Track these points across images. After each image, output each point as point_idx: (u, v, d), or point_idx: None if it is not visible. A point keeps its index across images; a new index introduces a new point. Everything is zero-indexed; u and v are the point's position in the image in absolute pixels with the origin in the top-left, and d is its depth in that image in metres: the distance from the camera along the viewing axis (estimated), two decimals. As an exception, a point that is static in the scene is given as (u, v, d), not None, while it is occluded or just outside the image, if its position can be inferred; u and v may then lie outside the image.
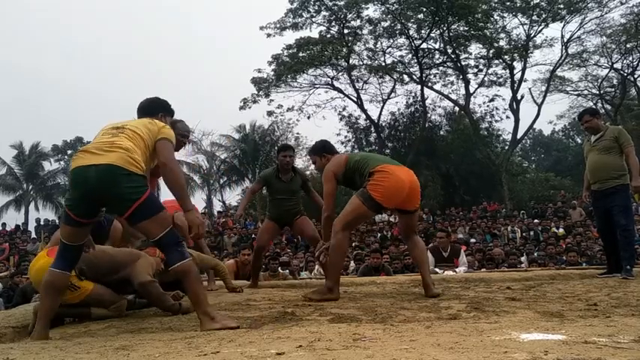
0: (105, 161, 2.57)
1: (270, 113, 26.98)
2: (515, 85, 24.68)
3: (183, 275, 2.69)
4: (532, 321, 2.38)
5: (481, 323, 2.29)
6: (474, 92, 25.83)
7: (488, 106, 26.62)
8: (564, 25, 24.03)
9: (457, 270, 6.68)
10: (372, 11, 24.76)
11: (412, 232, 4.02)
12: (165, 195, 5.36)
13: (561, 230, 14.94)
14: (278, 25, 24.94)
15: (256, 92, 25.79)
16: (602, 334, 1.94)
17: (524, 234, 15.10)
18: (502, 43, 24.51)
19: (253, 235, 16.34)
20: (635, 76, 25.70)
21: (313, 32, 25.30)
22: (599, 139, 5.20)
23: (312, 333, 2.22)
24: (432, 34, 24.98)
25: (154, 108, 3.18)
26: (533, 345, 1.77)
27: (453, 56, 25.38)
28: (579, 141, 35.33)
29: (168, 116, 3.22)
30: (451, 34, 24.52)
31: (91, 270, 3.27)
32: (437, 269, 6.72)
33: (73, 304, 3.34)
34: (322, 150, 4.27)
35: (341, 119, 27.52)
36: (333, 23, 25.42)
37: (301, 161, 28.53)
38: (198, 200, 28.48)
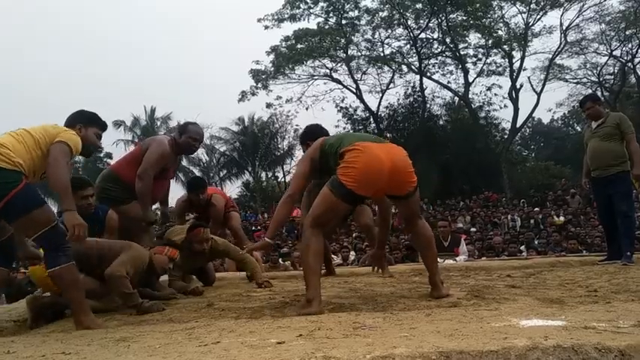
0: None
1: (269, 105, 26.99)
2: (515, 73, 24.63)
3: (57, 281, 2.69)
4: (532, 307, 2.38)
5: (481, 310, 2.30)
6: (472, 82, 25.80)
7: (485, 95, 26.59)
8: (563, 13, 23.98)
9: (457, 259, 6.69)
10: (369, 1, 24.71)
11: (415, 217, 3.24)
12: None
13: (561, 218, 14.97)
14: (276, 17, 24.85)
15: (255, 84, 25.75)
16: (601, 320, 1.94)
17: (524, 222, 15.12)
18: (501, 32, 24.44)
19: (253, 228, 16.37)
20: (635, 63, 25.63)
21: (311, 23, 25.27)
22: (600, 126, 5.15)
23: (312, 322, 2.23)
24: (430, 24, 24.92)
25: (73, 119, 3.15)
26: (533, 331, 1.78)
27: (451, 46, 25.29)
28: (579, 129, 35.22)
29: (91, 127, 3.16)
30: (450, 23, 24.42)
31: (81, 261, 3.27)
32: (438, 259, 6.72)
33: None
34: (306, 137, 3.75)
35: (339, 110, 27.49)
36: (331, 14, 25.32)
37: (300, 153, 28.45)
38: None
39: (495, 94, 26.21)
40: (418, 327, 1.99)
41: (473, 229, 13.99)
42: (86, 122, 3.16)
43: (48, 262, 2.67)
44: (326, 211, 2.94)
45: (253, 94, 25.94)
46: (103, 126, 3.30)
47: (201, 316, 2.88)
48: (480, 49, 25.37)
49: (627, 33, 24.01)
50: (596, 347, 1.55)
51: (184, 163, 29.13)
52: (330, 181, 2.93)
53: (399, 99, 27.53)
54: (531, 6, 23.78)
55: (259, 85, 25.69)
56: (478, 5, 23.43)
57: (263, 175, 30.35)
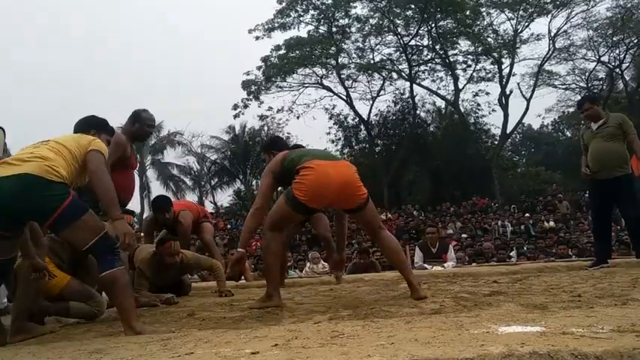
0: (20, 171, 2.51)
1: (262, 117, 27.07)
2: (504, 80, 24.79)
3: (111, 284, 2.65)
4: (513, 314, 2.35)
5: (461, 317, 2.27)
6: (462, 88, 25.94)
7: (474, 100, 26.75)
8: (551, 20, 24.20)
9: (445, 265, 6.67)
10: (359, 9, 24.84)
11: (376, 228, 3.53)
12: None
13: (551, 223, 15.01)
14: (266, 27, 24.90)
15: (247, 96, 25.80)
16: (581, 325, 1.92)
17: (514, 228, 15.15)
18: (490, 39, 24.60)
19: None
20: (622, 68, 25.89)
21: (302, 32, 25.36)
22: (602, 127, 5.04)
23: (290, 332, 2.19)
24: (420, 31, 25.06)
25: (87, 124, 3.19)
26: (511, 337, 1.75)
27: (441, 52, 25.43)
28: (569, 134, 35.49)
29: (103, 134, 3.18)
30: (439, 30, 24.57)
31: (73, 262, 3.24)
32: (426, 265, 6.71)
33: (52, 299, 3.30)
34: (270, 147, 4.13)
35: (330, 118, 27.53)
36: (321, 22, 25.42)
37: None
38: (189, 202, 28.36)
39: (487, 103, 26.40)
40: (396, 335, 1.96)
41: (464, 235, 13.99)
42: (97, 128, 3.19)
43: (103, 266, 2.64)
44: (281, 218, 3.37)
45: (246, 106, 26.05)
46: (111, 133, 3.36)
47: (182, 326, 2.84)
48: (470, 56, 25.56)
49: (614, 39, 24.24)
50: (572, 353, 1.52)
51: (175, 172, 29.07)
52: (286, 193, 3.32)
53: (389, 106, 27.67)
54: (519, 13, 23.99)
55: (251, 97, 25.75)
56: (467, 13, 23.62)
57: (254, 183, 30.28)
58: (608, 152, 4.98)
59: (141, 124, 4.06)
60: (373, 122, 27.36)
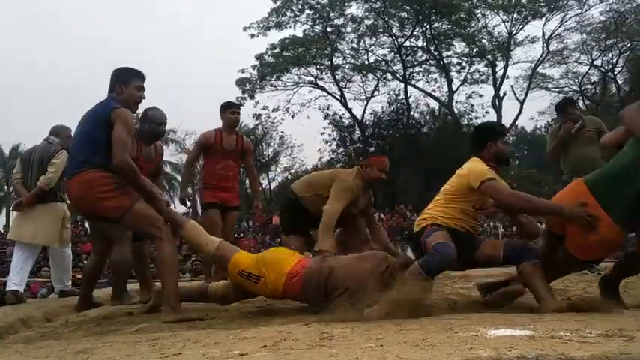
0: None
1: (257, 116, 26.98)
2: (498, 82, 24.91)
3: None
4: (502, 317, 2.36)
5: (451, 320, 2.27)
6: (456, 90, 26.02)
7: (467, 103, 26.82)
8: (545, 23, 24.36)
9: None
10: (355, 9, 24.85)
11: None
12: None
13: (543, 226, 15.07)
14: (262, 25, 24.86)
15: (241, 95, 25.71)
16: (569, 329, 1.92)
17: (506, 231, 15.20)
18: (484, 41, 24.71)
19: (236, 235, 16.23)
20: (615, 72, 26.09)
21: (297, 31, 25.32)
22: (579, 130, 5.12)
23: (279, 332, 2.18)
24: (415, 32, 25.12)
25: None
26: (499, 341, 1.75)
27: (435, 54, 25.50)
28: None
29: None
30: (434, 32, 24.64)
31: None
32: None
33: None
34: None
35: (325, 117, 27.49)
36: (316, 22, 25.40)
37: (285, 160, 28.58)
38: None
39: (481, 105, 26.47)
40: (385, 337, 1.96)
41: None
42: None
43: None
44: None
45: (240, 105, 25.88)
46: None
47: (172, 327, 2.82)
48: (464, 58, 25.65)
49: (607, 43, 24.46)
50: (560, 357, 1.53)
51: (168, 169, 28.95)
52: None
53: (383, 107, 27.68)
54: (514, 16, 24.11)
55: (245, 95, 25.66)
56: (462, 15, 23.71)
57: (246, 182, 30.18)
58: (586, 158, 5.05)
59: (149, 123, 3.96)
60: (367, 123, 27.37)
